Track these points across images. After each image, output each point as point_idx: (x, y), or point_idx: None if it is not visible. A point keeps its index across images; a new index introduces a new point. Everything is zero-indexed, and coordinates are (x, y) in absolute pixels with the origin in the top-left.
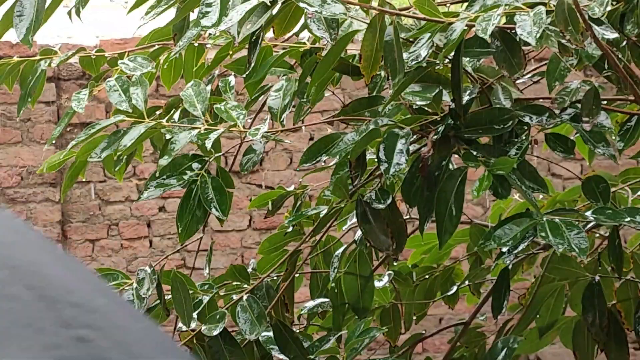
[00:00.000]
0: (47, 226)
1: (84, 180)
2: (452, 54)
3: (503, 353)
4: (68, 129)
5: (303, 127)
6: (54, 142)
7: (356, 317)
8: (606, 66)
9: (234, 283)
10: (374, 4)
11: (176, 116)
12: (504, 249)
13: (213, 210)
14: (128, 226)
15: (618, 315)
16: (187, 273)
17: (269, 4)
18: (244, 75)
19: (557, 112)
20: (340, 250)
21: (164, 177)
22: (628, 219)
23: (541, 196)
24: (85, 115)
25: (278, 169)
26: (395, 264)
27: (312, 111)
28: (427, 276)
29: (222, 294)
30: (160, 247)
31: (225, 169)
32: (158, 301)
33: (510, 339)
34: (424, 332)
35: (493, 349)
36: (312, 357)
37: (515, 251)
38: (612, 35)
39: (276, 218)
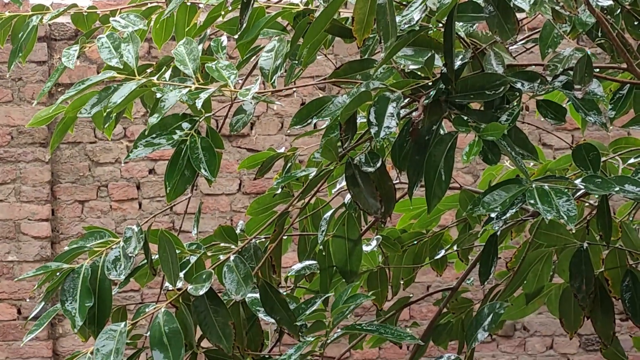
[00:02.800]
0: (37, 186)
1: (74, 141)
2: (445, 18)
3: (489, 319)
4: (59, 89)
5: (295, 92)
6: (44, 101)
7: (343, 280)
8: (599, 34)
9: (222, 244)
10: None
11: (167, 75)
12: (493, 215)
13: (202, 170)
14: (118, 188)
15: (605, 283)
16: (177, 235)
17: None
18: (236, 36)
19: (549, 79)
20: (329, 213)
21: (153, 136)
22: (617, 187)
23: (532, 164)
24: (77, 75)
25: (269, 133)
26: (383, 227)
27: (305, 76)
28: (415, 242)
29: (209, 254)
30: (149, 210)
31: (215, 130)
32: (145, 260)
33: (497, 305)
34: (411, 295)
35: (479, 315)
36: (297, 323)
37: (504, 217)
38: (606, 2)
39: (266, 182)
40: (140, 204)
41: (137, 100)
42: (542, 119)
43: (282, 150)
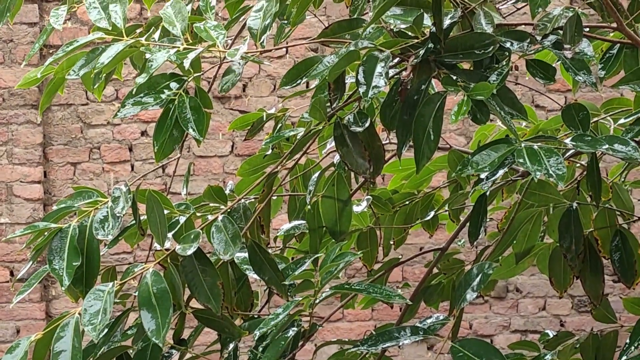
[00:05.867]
0: (29, 148)
1: (66, 103)
2: None
3: (478, 279)
4: (51, 51)
5: (287, 54)
6: (35, 63)
7: (333, 240)
8: None
9: (211, 204)
10: None
11: (156, 35)
12: (483, 176)
13: (190, 130)
14: (110, 150)
15: (595, 243)
16: (168, 197)
17: None
18: None
19: (538, 38)
20: (318, 173)
21: (141, 95)
22: (606, 146)
23: (524, 124)
24: (69, 37)
25: (261, 95)
26: (373, 187)
27: (297, 37)
28: (407, 202)
29: (199, 215)
30: (142, 172)
31: (203, 90)
32: (134, 220)
33: (486, 265)
34: (400, 256)
35: (467, 275)
36: (286, 282)
37: (493, 177)
38: None
39: (258, 144)
40: (132, 166)
41: (129, 62)
42: (535, 80)
43: (272, 111)
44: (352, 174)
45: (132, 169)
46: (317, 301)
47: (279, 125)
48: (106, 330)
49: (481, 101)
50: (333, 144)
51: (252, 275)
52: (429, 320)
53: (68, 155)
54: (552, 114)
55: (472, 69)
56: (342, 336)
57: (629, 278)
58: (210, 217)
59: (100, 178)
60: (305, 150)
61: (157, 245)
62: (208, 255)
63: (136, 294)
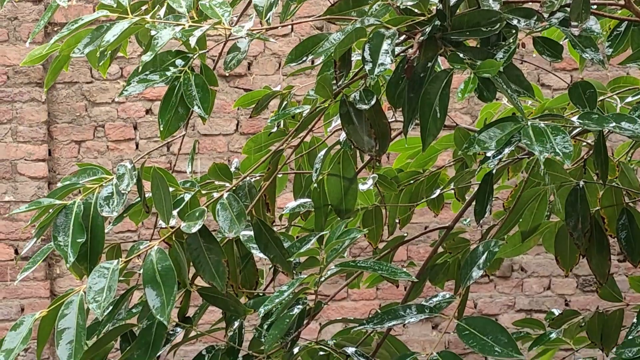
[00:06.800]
0: (33, 126)
1: (70, 81)
2: None
3: (484, 257)
4: (55, 29)
5: (292, 32)
6: (40, 41)
7: (339, 219)
8: None
9: (217, 182)
10: None
11: (162, 13)
12: (489, 154)
13: (195, 108)
14: (114, 128)
15: (601, 222)
16: (174, 176)
17: None
18: None
19: (545, 15)
20: (323, 151)
21: (147, 73)
22: (613, 124)
23: (530, 103)
24: (74, 15)
25: (266, 73)
26: (379, 165)
27: (301, 15)
28: (412, 181)
29: (204, 193)
30: (147, 150)
31: (209, 67)
32: (138, 198)
33: (492, 243)
34: (405, 234)
35: (473, 253)
36: (291, 258)
37: (500, 156)
38: None
39: (263, 123)
40: (137, 145)
41: (134, 40)
42: (541, 58)
43: (277, 89)
44: (358, 152)
45: (137, 147)
46: (323, 279)
47: (284, 103)
48: (111, 308)
49: (488, 79)
50: (339, 121)
51: (257, 254)
52: (434, 299)
53: (72, 133)
54: (557, 93)
55: (478, 46)
56: (347, 315)
57: (636, 256)
58: (216, 195)
59: (105, 156)
60: (311, 128)
61: (162, 223)
62: (213, 233)
63: (141, 272)
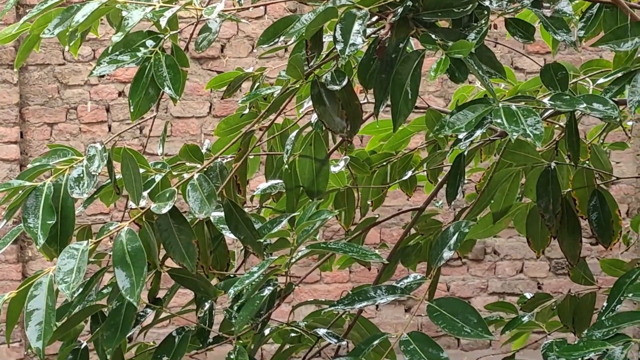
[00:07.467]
0: (5, 108)
1: (42, 63)
2: None
3: (454, 237)
4: (27, 11)
5: (266, 15)
6: (11, 22)
7: (310, 200)
8: None
9: (188, 164)
10: None
11: None
12: (461, 136)
13: (166, 88)
14: (87, 110)
15: (572, 203)
16: (146, 158)
17: None
18: None
19: None
20: (295, 132)
21: (117, 53)
22: (584, 105)
23: (503, 86)
24: None
25: (239, 56)
26: (350, 147)
27: None
28: (384, 163)
29: (175, 174)
30: (119, 132)
31: (180, 48)
32: (109, 179)
33: (462, 223)
34: (377, 216)
35: (444, 233)
36: (262, 240)
37: (471, 138)
38: None
39: (236, 106)
40: (109, 127)
41: (107, 22)
42: (514, 41)
43: (250, 70)
44: (330, 134)
45: (110, 130)
46: (294, 260)
47: (257, 84)
48: (81, 289)
49: (459, 59)
50: (310, 103)
51: (227, 235)
52: (405, 280)
53: (45, 115)
54: (531, 76)
55: (450, 27)
56: (319, 297)
57: (607, 238)
58: (186, 176)
59: (77, 138)
60: (282, 108)
61: (132, 204)
62: (184, 214)
63: (111, 252)
